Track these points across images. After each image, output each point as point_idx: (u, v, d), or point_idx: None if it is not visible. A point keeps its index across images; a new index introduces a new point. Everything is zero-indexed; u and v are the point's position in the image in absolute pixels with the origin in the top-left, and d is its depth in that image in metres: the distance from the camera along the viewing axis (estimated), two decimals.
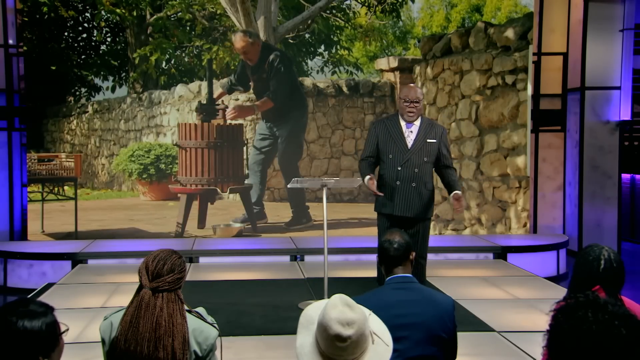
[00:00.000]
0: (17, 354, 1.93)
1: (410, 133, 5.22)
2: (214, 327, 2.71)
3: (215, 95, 10.98)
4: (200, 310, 2.75)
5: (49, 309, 2.03)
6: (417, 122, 5.24)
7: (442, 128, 5.38)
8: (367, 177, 5.19)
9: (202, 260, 7.52)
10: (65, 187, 11.13)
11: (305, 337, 2.27)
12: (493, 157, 9.79)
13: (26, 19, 14.87)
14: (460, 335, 3.12)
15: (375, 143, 5.28)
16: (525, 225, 9.23)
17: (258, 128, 11.11)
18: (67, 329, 2.06)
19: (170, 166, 12.75)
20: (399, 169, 5.17)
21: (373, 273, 5.65)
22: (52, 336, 1.99)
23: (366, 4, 15.82)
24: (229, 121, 10.53)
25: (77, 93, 18.52)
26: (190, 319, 2.65)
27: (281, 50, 11.58)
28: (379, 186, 5.25)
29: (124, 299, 2.77)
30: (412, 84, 5.40)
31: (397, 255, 3.10)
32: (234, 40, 10.87)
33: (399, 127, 5.23)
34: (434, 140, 5.22)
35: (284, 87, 10.45)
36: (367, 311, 2.31)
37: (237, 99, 12.30)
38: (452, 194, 5.23)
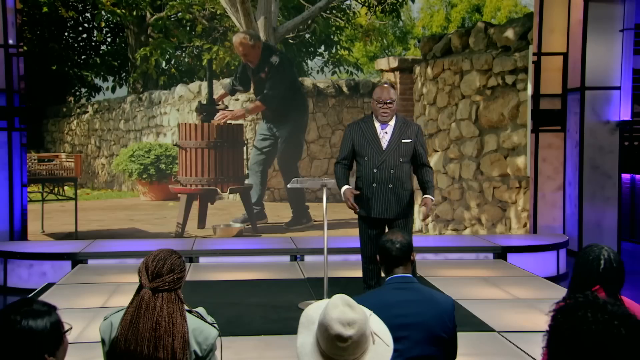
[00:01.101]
0: (23, 353, 1.94)
1: (385, 134, 5.16)
2: (214, 327, 2.71)
3: (217, 96, 10.99)
4: (200, 310, 2.75)
5: (52, 308, 2.05)
6: (392, 123, 5.18)
7: (417, 126, 5.30)
8: (345, 187, 5.13)
9: (202, 260, 7.52)
10: (65, 187, 11.13)
11: (306, 337, 2.27)
12: (493, 157, 9.79)
13: (26, 19, 14.88)
14: (460, 335, 3.12)
15: (350, 146, 5.23)
16: (525, 226, 9.23)
17: (259, 128, 11.11)
18: (71, 328, 2.08)
19: (171, 166, 12.75)
20: (375, 170, 5.10)
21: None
22: (56, 335, 2.01)
23: (366, 4, 15.82)
24: (228, 121, 10.53)
25: (77, 93, 18.52)
26: (190, 319, 2.65)
27: (283, 52, 11.57)
28: (356, 188, 5.21)
29: (124, 299, 2.77)
30: (385, 84, 5.32)
31: (399, 256, 3.10)
32: (234, 42, 10.87)
33: (374, 129, 5.18)
34: (409, 140, 5.14)
35: (278, 91, 10.43)
36: (367, 311, 2.31)
37: (237, 99, 12.31)
38: (422, 197, 5.14)
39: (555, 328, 1.71)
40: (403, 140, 5.13)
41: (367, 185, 5.14)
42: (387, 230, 5.16)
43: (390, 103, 5.12)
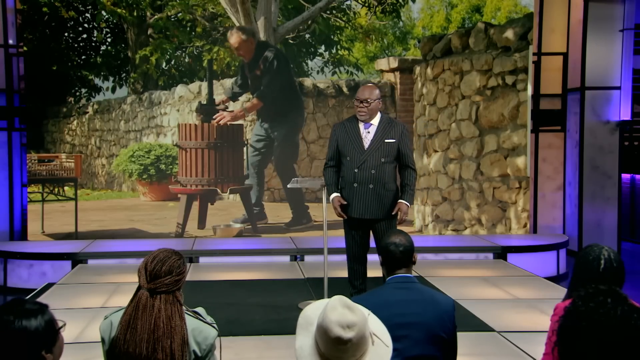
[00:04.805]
0: (20, 352, 1.95)
1: (368, 134, 5.09)
2: (214, 327, 2.70)
3: (218, 100, 11.00)
4: (200, 310, 2.75)
5: (44, 307, 2.06)
6: (375, 122, 5.10)
7: (402, 126, 5.20)
8: (334, 195, 5.11)
9: (202, 260, 7.52)
10: (66, 188, 11.14)
11: (305, 339, 2.26)
12: (493, 158, 9.79)
13: (26, 19, 14.87)
14: (460, 335, 3.12)
15: (335, 146, 5.18)
16: (525, 226, 9.22)
17: (254, 129, 11.11)
18: (65, 324, 2.09)
19: (171, 167, 12.75)
20: (356, 170, 5.05)
21: (372, 273, 5.59)
22: (51, 332, 2.02)
23: (366, 5, 15.82)
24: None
25: (78, 93, 18.53)
26: (190, 319, 2.64)
27: (277, 48, 11.55)
28: (340, 188, 5.18)
29: (124, 299, 2.76)
30: (370, 84, 5.25)
31: (402, 258, 3.11)
32: (228, 37, 10.93)
33: (357, 128, 5.10)
34: (393, 140, 5.07)
35: (273, 86, 10.43)
36: (366, 311, 2.30)
37: (237, 100, 12.32)
38: (398, 202, 5.06)
39: (572, 315, 1.70)
40: (386, 140, 5.06)
41: (348, 185, 5.10)
42: (371, 232, 5.16)
43: (365, 102, 5.03)
